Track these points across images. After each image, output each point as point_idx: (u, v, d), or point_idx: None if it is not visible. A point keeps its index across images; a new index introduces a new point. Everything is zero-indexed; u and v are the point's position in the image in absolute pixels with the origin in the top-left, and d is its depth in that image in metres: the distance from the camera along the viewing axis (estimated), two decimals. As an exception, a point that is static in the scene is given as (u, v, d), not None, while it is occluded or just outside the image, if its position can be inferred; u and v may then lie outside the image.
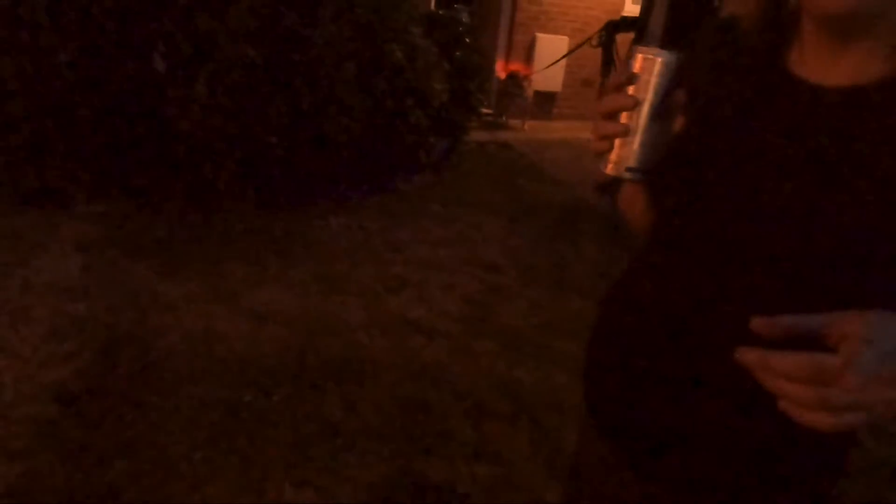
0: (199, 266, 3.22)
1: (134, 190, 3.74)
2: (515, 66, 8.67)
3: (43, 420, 2.08)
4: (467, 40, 5.71)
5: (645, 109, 0.73)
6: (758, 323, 0.55)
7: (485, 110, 8.50)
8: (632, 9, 8.80)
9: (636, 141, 0.74)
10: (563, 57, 7.79)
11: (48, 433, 2.04)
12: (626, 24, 5.77)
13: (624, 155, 0.75)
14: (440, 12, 5.92)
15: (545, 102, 8.98)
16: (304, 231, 3.80)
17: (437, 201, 4.69)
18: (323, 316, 2.93)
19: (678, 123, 0.77)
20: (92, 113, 3.43)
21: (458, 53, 5.56)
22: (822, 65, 0.71)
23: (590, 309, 3.36)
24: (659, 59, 0.72)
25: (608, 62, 5.94)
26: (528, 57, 8.80)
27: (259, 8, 3.55)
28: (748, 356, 0.54)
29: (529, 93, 8.39)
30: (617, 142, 0.75)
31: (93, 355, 2.41)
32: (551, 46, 8.80)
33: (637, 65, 0.73)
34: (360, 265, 3.49)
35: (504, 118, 8.45)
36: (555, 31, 8.72)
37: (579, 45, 6.88)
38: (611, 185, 0.89)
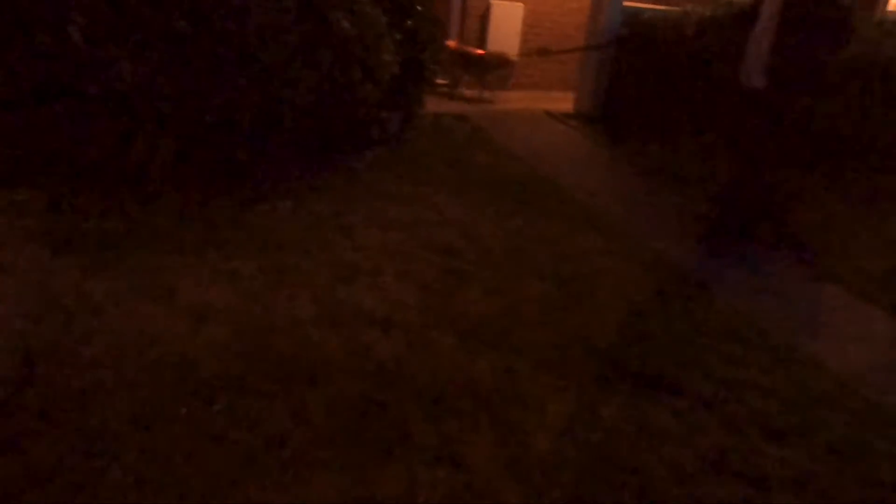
0: (131, 261, 2.96)
1: (56, 176, 3.42)
2: (470, 34, 8.42)
3: (-55, 449, 1.85)
4: (419, 8, 5.43)
5: None
6: None
7: (440, 81, 8.25)
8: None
9: None
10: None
11: (-49, 464, 1.80)
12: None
13: None
14: (389, -22, 5.60)
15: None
16: (248, 217, 3.56)
17: (391, 180, 4.48)
18: (269, 312, 2.73)
19: None
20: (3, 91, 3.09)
21: (409, 22, 5.29)
22: None
23: (551, 292, 3.25)
24: None
25: None
26: (483, 25, 8.55)
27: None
28: None
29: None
30: None
31: (3, 370, 2.16)
32: (507, 14, 8.57)
33: None
34: (309, 253, 3.28)
35: (459, 89, 8.21)
36: (510, -2, 8.49)
37: None
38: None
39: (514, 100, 8.30)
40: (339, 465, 2.01)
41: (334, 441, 2.10)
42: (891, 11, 8.31)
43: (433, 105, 6.71)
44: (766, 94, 3.73)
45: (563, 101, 7.81)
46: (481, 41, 8.47)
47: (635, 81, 6.75)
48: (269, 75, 3.51)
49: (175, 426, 2.06)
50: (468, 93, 8.23)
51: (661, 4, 7.31)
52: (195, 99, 3.32)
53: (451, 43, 8.10)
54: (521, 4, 8.59)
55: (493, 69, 7.99)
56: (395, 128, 5.24)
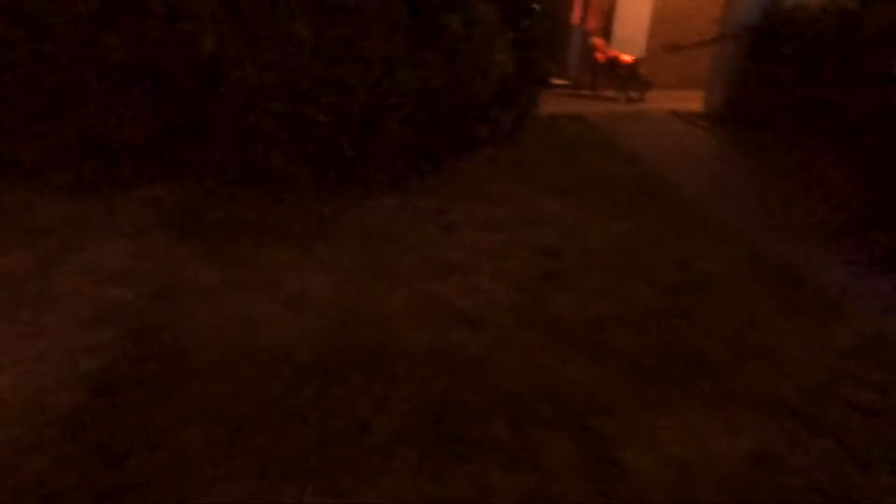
0: (246, 249, 3.18)
1: (191, 172, 3.75)
2: (593, 31, 8.17)
3: (73, 410, 2.07)
4: (535, 7, 5.35)
5: None
6: None
7: (561, 81, 8.10)
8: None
9: None
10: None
11: (76, 424, 2.02)
12: None
13: None
14: (506, -23, 5.57)
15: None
16: (354, 213, 3.69)
17: (498, 180, 4.45)
18: (363, 304, 2.81)
19: None
20: (146, 96, 3.44)
21: (525, 21, 5.23)
22: None
23: (657, 299, 3.05)
24: None
25: None
26: (608, 21, 8.27)
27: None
28: None
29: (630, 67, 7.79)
30: None
31: (129, 343, 2.40)
32: (633, 9, 8.23)
33: None
34: (408, 249, 3.33)
35: (594, 89, 7.97)
36: (636, -8, 8.14)
37: None
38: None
39: (635, 100, 7.93)
40: (416, 460, 2.01)
41: (413, 435, 2.10)
42: None
43: (552, 104, 6.59)
44: None
45: (692, 101, 7.34)
46: (606, 38, 8.18)
47: (773, 77, 6.18)
48: (378, 76, 3.61)
49: (266, 407, 2.17)
50: (586, 92, 8.00)
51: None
52: (309, 99, 3.50)
53: (598, 41, 7.91)
54: (649, -1, 8.21)
55: (638, 77, 7.70)
56: (507, 128, 5.19)
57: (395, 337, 2.59)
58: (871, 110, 4.75)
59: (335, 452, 2.01)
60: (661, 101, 7.66)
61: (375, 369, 2.38)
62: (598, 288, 3.10)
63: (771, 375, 2.54)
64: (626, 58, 7.70)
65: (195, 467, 1.91)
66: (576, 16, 8.25)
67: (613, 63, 7.76)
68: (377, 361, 2.43)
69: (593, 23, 8.24)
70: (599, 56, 7.79)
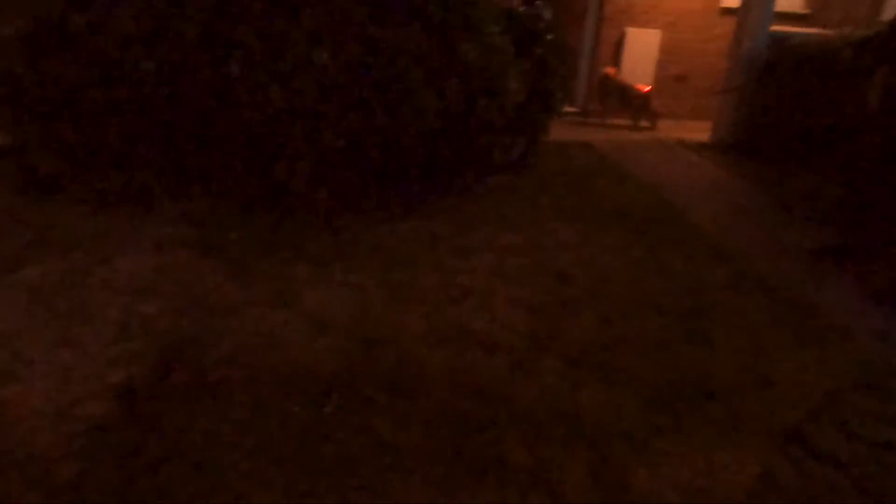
0: (267, 268, 3.25)
1: (213, 191, 3.85)
2: (601, 61, 8.33)
3: (102, 419, 2.13)
4: (548, 37, 5.48)
5: None
6: None
7: (569, 109, 8.23)
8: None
9: None
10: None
11: (105, 433, 2.08)
12: None
13: None
14: (521, 9, 5.72)
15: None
16: (371, 235, 3.77)
17: (511, 205, 4.53)
18: (381, 324, 2.87)
19: None
20: (173, 116, 3.55)
21: (538, 51, 5.36)
22: None
23: (669, 326, 3.11)
24: None
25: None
26: (617, 52, 8.43)
27: (331, 10, 3.54)
28: None
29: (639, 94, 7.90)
30: None
31: (155, 357, 2.47)
32: (642, 42, 8.39)
33: None
34: (424, 272, 3.40)
35: (604, 118, 8.10)
36: (646, 25, 8.30)
37: None
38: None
39: (646, 129, 8.06)
40: (434, 478, 2.06)
41: (432, 454, 2.16)
42: None
43: (563, 132, 6.71)
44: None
45: (699, 132, 7.46)
46: (615, 68, 8.34)
47: (781, 110, 6.30)
48: (399, 102, 3.72)
49: (288, 423, 2.23)
50: (595, 120, 8.13)
51: (813, 27, 6.79)
52: (328, 122, 3.61)
53: (611, 70, 8.04)
54: (657, 31, 8.37)
55: (650, 108, 7.83)
56: (519, 154, 5.29)
57: (413, 357, 2.65)
58: (872, 143, 4.85)
59: (355, 469, 2.06)
60: (669, 131, 7.78)
61: (394, 389, 2.44)
62: (612, 314, 3.15)
63: (780, 404, 2.58)
64: (644, 88, 7.85)
65: (223, 479, 1.96)
66: (586, 46, 8.42)
67: (627, 92, 7.89)
68: (396, 381, 2.49)
69: (603, 53, 8.40)
70: (612, 85, 7.93)
